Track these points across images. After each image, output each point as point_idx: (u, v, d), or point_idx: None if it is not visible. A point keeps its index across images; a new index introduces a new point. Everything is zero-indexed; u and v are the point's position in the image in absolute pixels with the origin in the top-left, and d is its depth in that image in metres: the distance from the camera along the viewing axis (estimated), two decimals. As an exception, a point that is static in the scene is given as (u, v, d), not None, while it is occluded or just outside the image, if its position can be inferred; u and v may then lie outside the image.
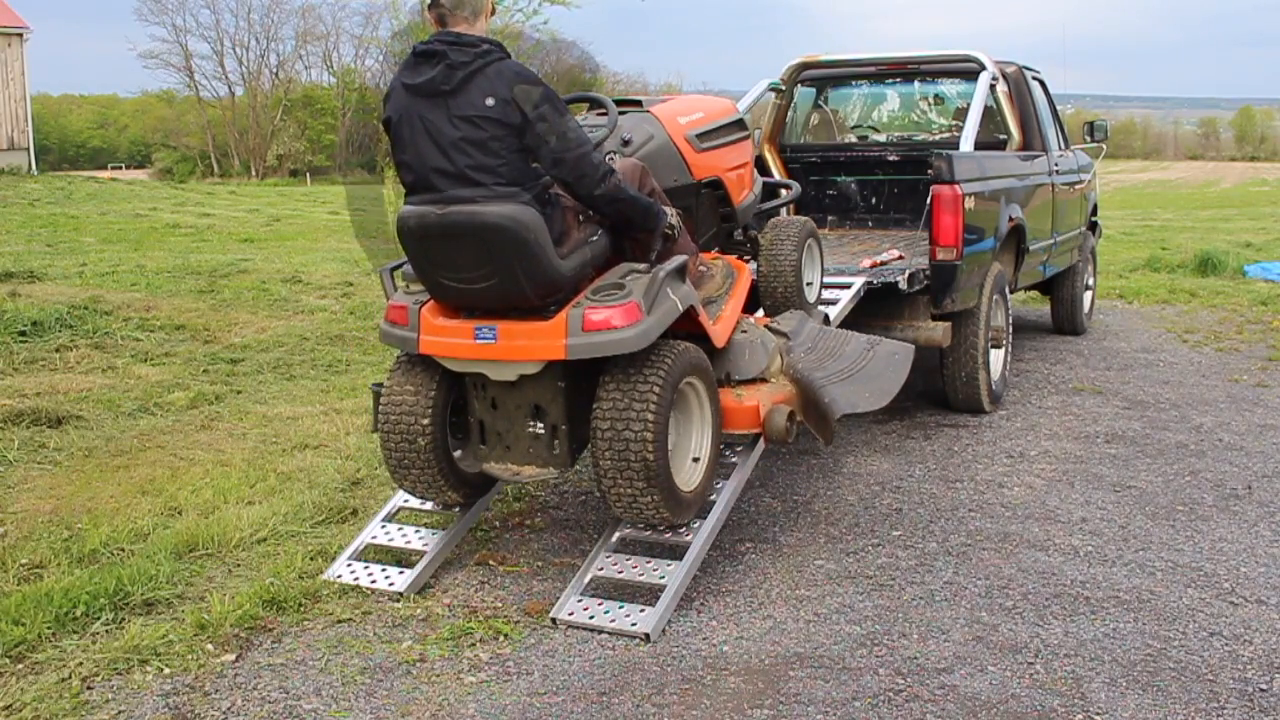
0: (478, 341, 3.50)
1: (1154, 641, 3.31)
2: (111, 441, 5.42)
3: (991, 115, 6.80)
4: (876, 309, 5.53)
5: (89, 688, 3.05)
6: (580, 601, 3.53)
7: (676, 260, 3.66)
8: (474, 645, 3.33)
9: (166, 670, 3.15)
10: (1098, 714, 2.91)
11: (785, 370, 4.08)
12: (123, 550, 4.00)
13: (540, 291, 3.41)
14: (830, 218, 7.38)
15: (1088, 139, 8.38)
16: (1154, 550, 4.04)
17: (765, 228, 4.70)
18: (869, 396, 4.14)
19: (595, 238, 3.62)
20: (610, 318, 3.38)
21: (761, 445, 4.09)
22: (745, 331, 4.11)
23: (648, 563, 3.63)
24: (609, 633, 3.39)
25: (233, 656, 3.24)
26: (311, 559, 3.94)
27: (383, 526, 4.04)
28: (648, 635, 3.34)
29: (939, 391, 6.13)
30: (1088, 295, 8.54)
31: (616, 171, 3.55)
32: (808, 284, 4.69)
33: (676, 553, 3.70)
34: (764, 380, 4.03)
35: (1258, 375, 6.89)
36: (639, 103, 4.22)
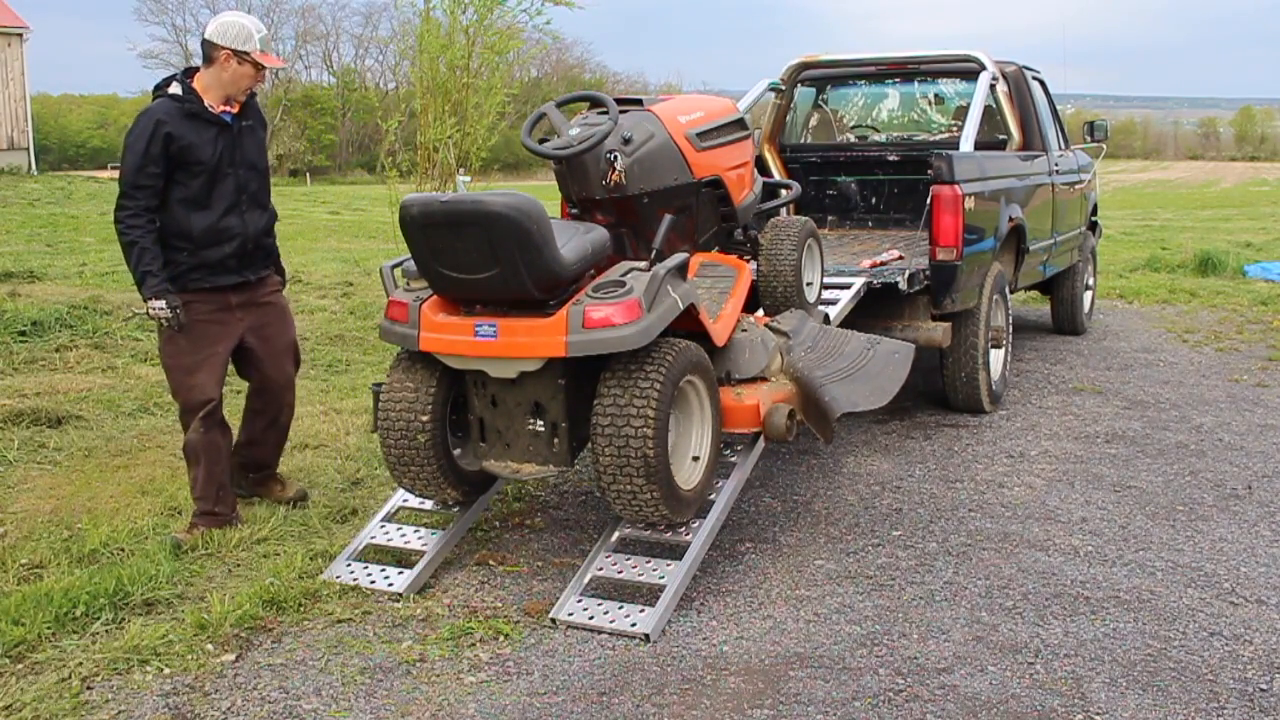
0: (478, 339, 3.49)
1: (1154, 641, 3.31)
2: (111, 441, 5.42)
3: (991, 115, 6.80)
4: (876, 309, 5.53)
5: (89, 688, 3.05)
6: (580, 601, 3.52)
7: (677, 258, 3.67)
8: (474, 645, 3.33)
9: (166, 670, 3.15)
10: (1098, 714, 2.90)
11: (785, 369, 4.08)
12: (123, 550, 3.99)
13: (541, 284, 3.40)
14: (830, 218, 7.37)
15: (1088, 139, 8.38)
16: (1154, 550, 4.04)
17: (765, 227, 4.69)
18: (869, 395, 4.14)
19: (592, 234, 3.62)
20: (611, 315, 3.37)
21: (761, 444, 4.09)
22: (746, 330, 4.11)
23: (647, 563, 3.62)
24: (609, 633, 3.39)
25: (233, 656, 3.24)
26: (311, 559, 3.93)
27: (382, 526, 4.04)
28: (647, 635, 3.34)
29: (939, 391, 6.12)
30: (1088, 295, 8.54)
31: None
32: (808, 284, 4.69)
33: (676, 553, 3.70)
34: (764, 379, 4.03)
35: (1258, 375, 6.89)
36: (639, 101, 4.21)
